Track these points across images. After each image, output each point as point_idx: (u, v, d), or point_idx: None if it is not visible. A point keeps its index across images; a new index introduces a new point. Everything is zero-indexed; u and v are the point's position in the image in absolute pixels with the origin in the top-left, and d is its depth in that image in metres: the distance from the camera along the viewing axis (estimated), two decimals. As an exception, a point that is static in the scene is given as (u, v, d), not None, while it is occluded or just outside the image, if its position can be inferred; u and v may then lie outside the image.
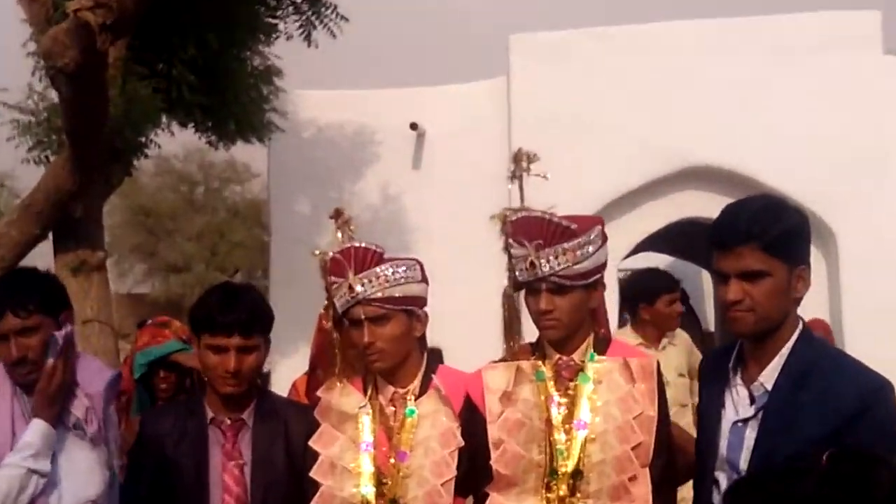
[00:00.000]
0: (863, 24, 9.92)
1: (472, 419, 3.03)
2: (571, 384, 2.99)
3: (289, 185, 10.94)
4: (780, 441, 2.60)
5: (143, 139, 8.16)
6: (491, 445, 2.93)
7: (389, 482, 3.04)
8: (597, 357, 3.02)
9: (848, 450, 2.05)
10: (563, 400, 2.97)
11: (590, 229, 2.96)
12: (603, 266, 3.03)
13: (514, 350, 3.12)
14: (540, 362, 3.03)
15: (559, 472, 2.90)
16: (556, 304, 2.93)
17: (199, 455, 3.26)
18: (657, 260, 17.72)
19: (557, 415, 2.95)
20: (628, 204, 10.24)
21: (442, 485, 2.97)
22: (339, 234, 3.18)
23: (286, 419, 3.33)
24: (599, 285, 3.03)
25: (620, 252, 10.09)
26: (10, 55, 8.29)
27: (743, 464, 2.69)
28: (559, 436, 2.93)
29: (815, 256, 2.98)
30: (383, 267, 3.05)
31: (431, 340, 3.44)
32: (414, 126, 10.55)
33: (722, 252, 2.65)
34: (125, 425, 4.35)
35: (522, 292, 3.03)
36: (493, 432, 2.95)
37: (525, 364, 3.02)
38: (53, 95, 7.36)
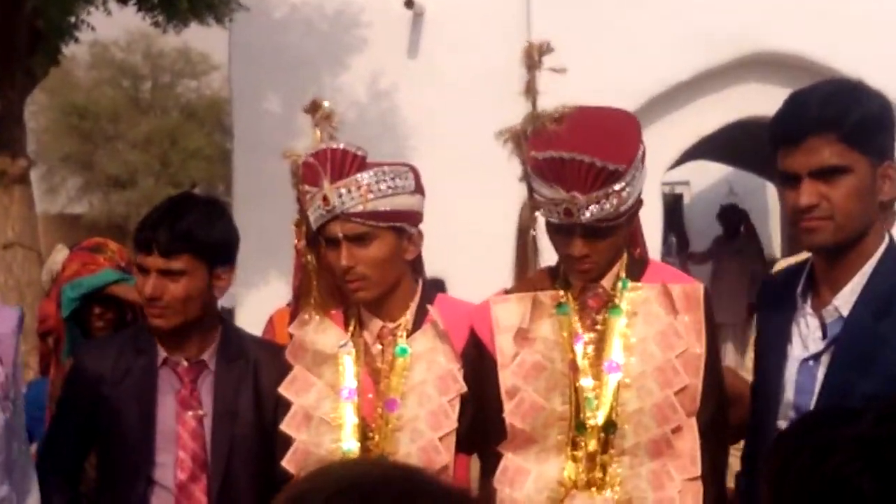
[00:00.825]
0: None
1: (478, 361, 3.03)
2: (600, 317, 2.98)
3: (255, 78, 10.90)
4: (854, 380, 2.60)
5: (73, 20, 8.13)
6: (504, 395, 2.93)
7: (377, 436, 3.05)
8: (630, 284, 3.00)
9: None
10: (591, 336, 2.97)
11: (634, 154, 2.93)
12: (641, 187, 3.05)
13: (535, 274, 3.14)
14: (562, 291, 3.01)
15: (587, 425, 2.90)
16: (594, 248, 2.92)
17: (145, 400, 3.29)
18: (711, 171, 17.75)
19: (584, 355, 2.95)
20: (675, 100, 10.21)
21: (440, 439, 2.98)
22: (318, 132, 3.17)
23: (256, 362, 3.36)
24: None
25: (665, 161, 10.10)
26: None
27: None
28: (586, 381, 2.92)
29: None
30: (366, 174, 3.03)
31: (432, 269, 3.45)
32: (409, 4, 10.47)
33: (789, 147, 2.62)
34: (55, 371, 4.37)
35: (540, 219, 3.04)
36: (505, 379, 2.94)
37: (543, 295, 3.01)
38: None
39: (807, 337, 2.76)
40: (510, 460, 2.93)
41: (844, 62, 9.50)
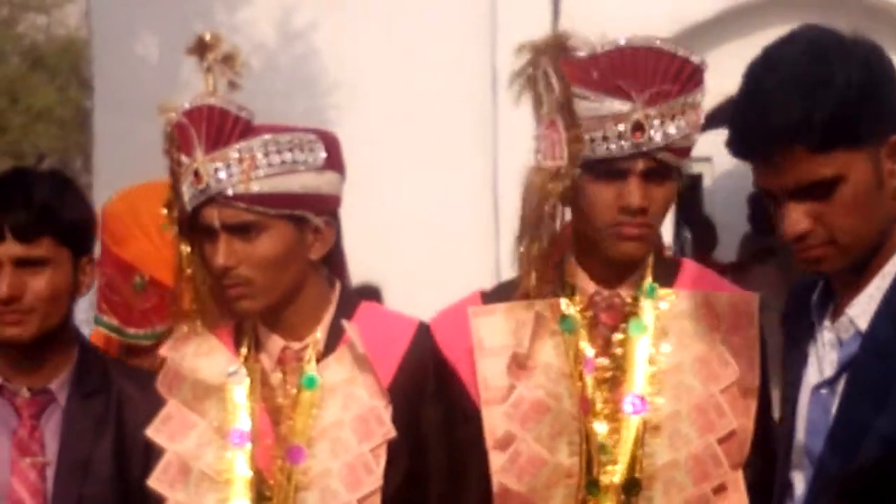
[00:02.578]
0: None
1: (447, 392, 3.07)
2: (617, 336, 3.01)
3: (123, 14, 10.88)
4: (869, 416, 2.54)
5: None
6: (492, 444, 2.96)
7: (275, 497, 3.02)
8: (659, 290, 3.04)
9: None
10: (605, 363, 2.99)
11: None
12: None
13: (533, 273, 3.04)
14: (565, 300, 3.04)
15: (601, 484, 2.92)
16: (653, 199, 2.93)
17: None
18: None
19: (595, 388, 2.97)
20: (694, 45, 10.24)
21: (359, 501, 2.94)
22: (210, 80, 3.09)
23: (120, 396, 3.36)
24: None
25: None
26: None
27: (828, 451, 2.62)
28: (600, 425, 2.95)
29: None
30: (254, 141, 2.97)
31: (363, 272, 3.43)
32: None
33: (756, 163, 2.63)
34: None
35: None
36: (496, 422, 2.96)
37: (541, 304, 3.01)
38: None
39: (822, 358, 2.74)
40: None
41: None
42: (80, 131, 20.29)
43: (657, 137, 2.87)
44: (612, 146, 2.88)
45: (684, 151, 2.94)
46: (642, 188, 2.89)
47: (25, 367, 3.29)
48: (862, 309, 2.64)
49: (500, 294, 3.09)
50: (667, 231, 9.46)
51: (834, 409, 2.63)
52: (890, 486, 1.93)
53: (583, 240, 3.01)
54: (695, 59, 2.92)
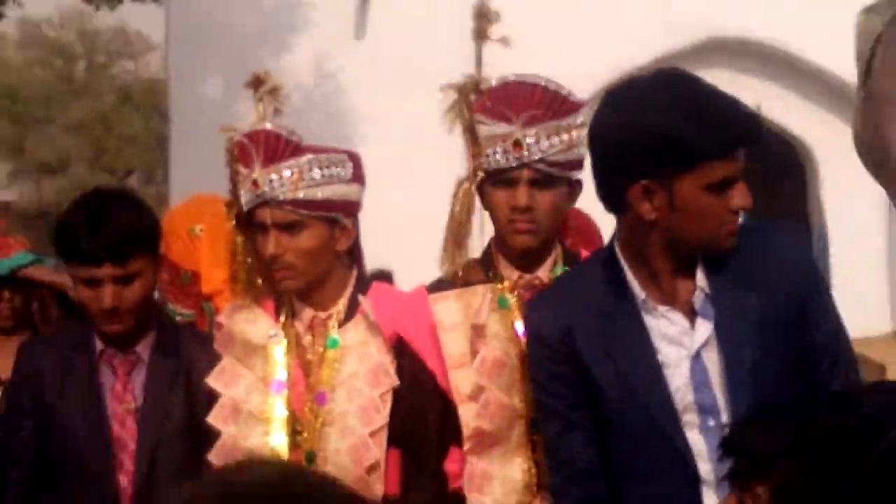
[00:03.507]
0: None
1: (407, 365, 3.06)
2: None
3: (193, 60, 10.89)
4: (744, 353, 2.61)
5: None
6: (461, 398, 2.94)
7: (306, 431, 3.06)
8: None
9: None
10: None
11: (581, 107, 2.98)
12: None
13: (462, 266, 3.12)
14: (498, 284, 3.03)
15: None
16: (538, 201, 2.93)
17: (88, 397, 3.30)
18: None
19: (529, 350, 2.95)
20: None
21: (371, 434, 2.96)
22: (261, 108, 3.16)
23: (191, 355, 3.34)
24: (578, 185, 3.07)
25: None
26: None
27: (721, 400, 2.65)
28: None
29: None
30: (301, 159, 3.03)
31: (380, 259, 3.44)
32: (356, -18, 10.51)
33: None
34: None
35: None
36: (465, 380, 2.94)
37: (481, 289, 3.03)
38: None
39: (675, 335, 2.70)
40: (475, 465, 2.93)
41: (814, 51, 9.66)
42: (159, 152, 20.21)
43: (534, 152, 2.88)
44: (501, 159, 2.92)
45: (566, 165, 2.94)
46: (528, 193, 2.91)
47: (119, 342, 3.29)
48: (702, 279, 2.66)
49: (438, 287, 3.10)
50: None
51: (709, 364, 2.65)
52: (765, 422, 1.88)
53: (498, 235, 3.03)
54: (563, 90, 2.93)
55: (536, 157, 2.90)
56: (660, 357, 2.69)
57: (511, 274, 3.02)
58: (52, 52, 26.93)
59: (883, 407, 1.96)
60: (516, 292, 3.01)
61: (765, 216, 2.99)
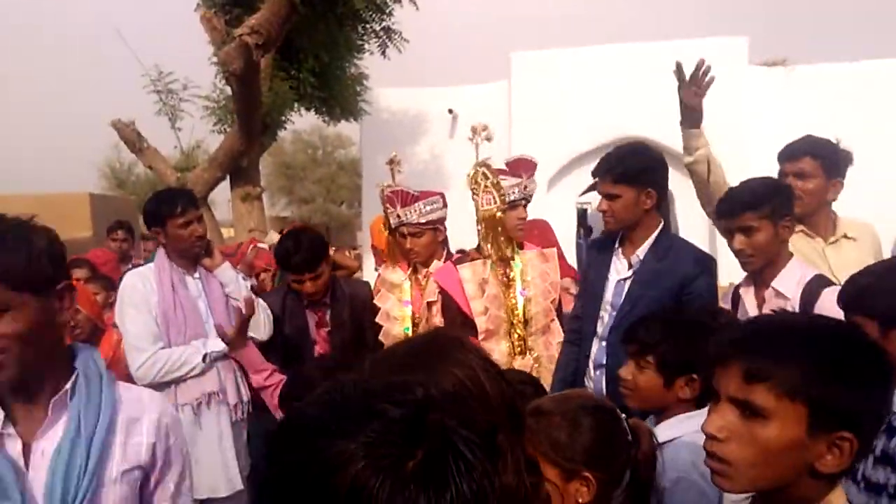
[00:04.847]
0: (732, 47, 9.12)
1: (445, 298, 2.87)
2: (508, 271, 2.85)
3: (373, 148, 10.84)
4: (645, 291, 2.48)
5: (283, 118, 8.36)
6: (476, 314, 2.77)
7: (420, 323, 2.98)
8: (519, 251, 2.90)
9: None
10: (505, 279, 2.84)
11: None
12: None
13: (471, 251, 2.98)
14: (488, 260, 2.84)
15: (514, 322, 2.80)
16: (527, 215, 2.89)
17: (303, 323, 3.08)
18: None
19: (507, 289, 2.83)
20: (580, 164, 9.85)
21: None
22: (391, 172, 3.06)
23: (350, 294, 3.12)
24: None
25: (578, 192, 10.04)
26: (201, 64, 8.48)
27: (625, 306, 2.52)
28: (511, 300, 2.82)
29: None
30: (418, 204, 2.95)
31: (455, 244, 3.36)
32: (451, 111, 10.49)
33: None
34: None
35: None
36: (477, 305, 2.78)
37: (486, 262, 2.86)
38: (227, 90, 7.53)
39: (620, 269, 2.60)
40: (482, 344, 2.73)
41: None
42: (357, 193, 20.39)
43: (528, 191, 2.83)
44: (515, 195, 2.80)
45: (531, 197, 2.87)
46: (524, 212, 2.85)
47: (319, 302, 3.02)
48: (642, 251, 2.53)
49: (460, 261, 2.90)
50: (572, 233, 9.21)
51: (626, 288, 2.55)
52: (648, 322, 1.83)
53: (495, 234, 2.84)
54: (534, 159, 2.82)
55: (528, 195, 2.87)
56: (608, 275, 2.60)
57: (504, 254, 2.84)
58: (306, 145, 27.07)
59: (719, 313, 1.96)
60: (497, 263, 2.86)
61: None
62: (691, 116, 2.73)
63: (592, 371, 2.61)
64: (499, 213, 2.79)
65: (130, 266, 5.07)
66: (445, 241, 3.17)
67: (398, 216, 2.94)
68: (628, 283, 2.55)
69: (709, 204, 2.74)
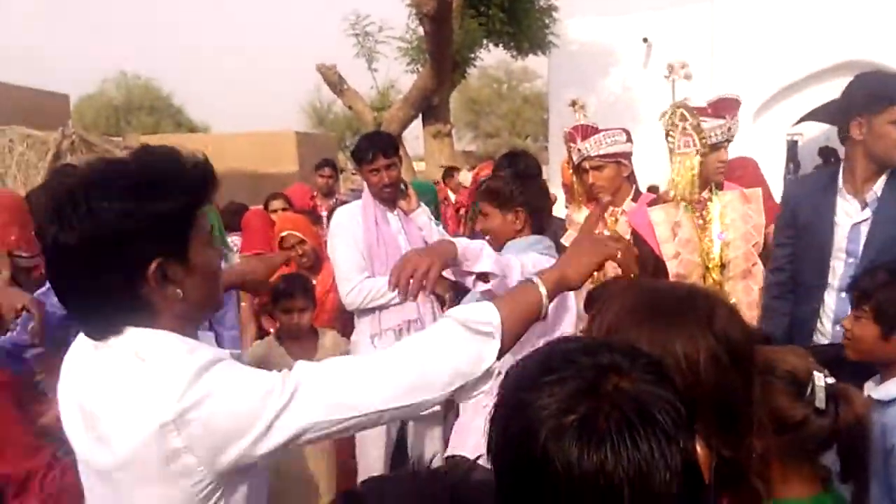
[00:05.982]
0: None
1: (637, 241, 2.76)
2: (705, 212, 2.72)
3: (560, 82, 10.73)
4: (891, 232, 2.34)
5: (472, 56, 8.50)
6: (667, 258, 2.70)
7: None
8: (719, 192, 2.76)
9: None
10: (701, 222, 2.72)
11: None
12: None
13: (664, 193, 2.85)
14: (683, 203, 2.71)
15: (710, 267, 2.70)
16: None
17: None
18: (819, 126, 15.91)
19: (702, 232, 2.71)
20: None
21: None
22: (577, 115, 3.00)
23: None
24: None
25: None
26: (396, 6, 8.84)
27: (868, 252, 2.39)
28: (707, 244, 2.70)
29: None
30: (598, 135, 2.86)
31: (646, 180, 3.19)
32: (645, 39, 10.02)
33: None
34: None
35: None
36: (669, 249, 2.69)
37: (675, 204, 2.74)
38: (420, 30, 7.78)
39: (850, 211, 2.45)
40: None
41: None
42: (542, 128, 20.17)
43: (731, 133, 2.63)
44: (717, 137, 2.61)
45: (733, 138, 2.65)
46: (726, 154, 2.66)
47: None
48: (879, 187, 2.41)
49: (653, 203, 2.80)
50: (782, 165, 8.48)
51: (864, 231, 2.42)
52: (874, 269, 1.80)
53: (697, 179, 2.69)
54: (738, 97, 2.64)
55: (732, 137, 2.66)
56: (836, 218, 2.48)
57: (696, 196, 2.71)
58: (493, 80, 27.19)
59: None
60: (693, 205, 2.73)
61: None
62: None
63: (829, 326, 2.50)
64: (699, 157, 2.66)
65: (335, 200, 5.62)
66: (633, 178, 3.05)
67: (579, 150, 2.87)
68: (866, 225, 2.41)
69: None
